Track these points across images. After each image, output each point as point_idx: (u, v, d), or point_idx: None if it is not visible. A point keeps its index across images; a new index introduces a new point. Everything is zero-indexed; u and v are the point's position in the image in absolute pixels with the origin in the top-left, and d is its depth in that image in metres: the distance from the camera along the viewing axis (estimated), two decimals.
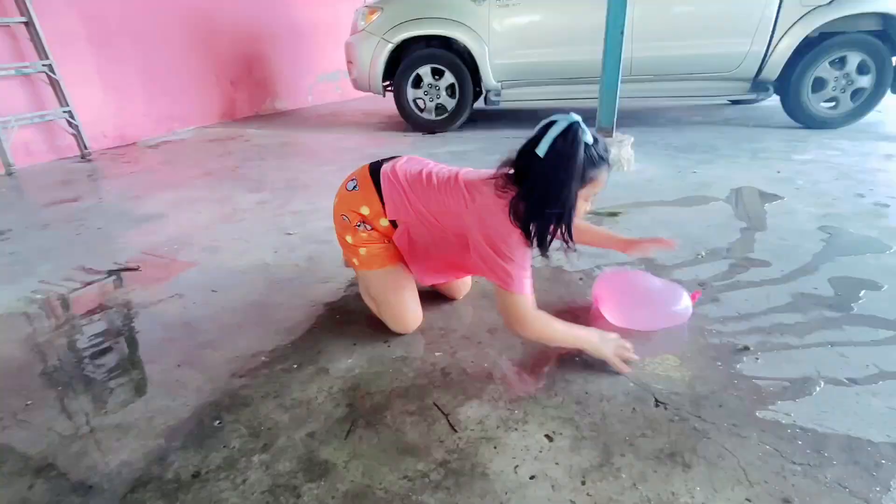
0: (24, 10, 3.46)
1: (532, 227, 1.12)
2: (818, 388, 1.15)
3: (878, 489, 0.91)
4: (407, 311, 1.36)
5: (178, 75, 4.66)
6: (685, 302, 1.37)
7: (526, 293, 1.16)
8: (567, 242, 1.13)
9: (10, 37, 3.46)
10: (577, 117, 1.09)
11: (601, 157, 1.10)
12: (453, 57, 3.99)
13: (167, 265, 1.89)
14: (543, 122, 1.11)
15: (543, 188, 1.08)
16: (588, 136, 1.08)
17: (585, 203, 1.16)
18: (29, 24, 3.49)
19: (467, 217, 1.19)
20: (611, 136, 2.92)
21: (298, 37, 6.11)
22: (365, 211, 1.30)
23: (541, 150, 1.07)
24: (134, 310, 1.58)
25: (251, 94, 5.58)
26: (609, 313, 1.40)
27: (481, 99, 4.36)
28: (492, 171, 1.22)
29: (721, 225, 2.07)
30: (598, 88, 2.88)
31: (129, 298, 1.65)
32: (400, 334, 1.39)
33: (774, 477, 0.94)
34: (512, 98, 4.10)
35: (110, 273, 1.84)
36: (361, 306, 1.54)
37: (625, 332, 1.29)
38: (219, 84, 5.14)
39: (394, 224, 1.29)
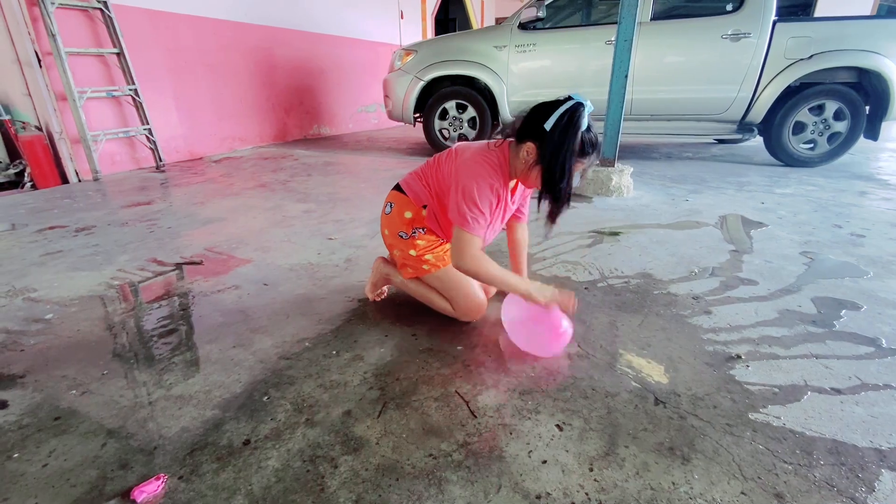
0: (116, 42, 3.57)
1: (547, 179, 1.12)
2: (805, 396, 1.10)
3: (863, 489, 0.86)
4: (477, 296, 1.34)
5: (241, 102, 4.76)
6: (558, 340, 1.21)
7: (475, 233, 1.16)
8: (563, 203, 1.13)
9: (104, 65, 3.56)
10: (584, 99, 1.07)
11: (591, 145, 1.09)
12: (475, 94, 4.01)
13: (226, 261, 1.90)
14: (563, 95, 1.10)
15: (551, 153, 1.09)
16: (584, 122, 1.07)
17: (577, 177, 1.15)
18: (120, 55, 3.59)
19: (453, 170, 1.20)
20: (613, 165, 2.89)
21: (343, 73, 6.20)
22: (409, 215, 1.31)
23: (548, 123, 1.07)
24: (196, 297, 1.59)
25: (301, 121, 5.66)
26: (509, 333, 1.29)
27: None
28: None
29: (711, 247, 2.02)
30: (603, 124, 2.86)
31: (192, 288, 1.66)
32: (459, 322, 1.37)
33: (767, 474, 0.89)
34: None
35: (177, 265, 1.85)
36: (393, 303, 1.52)
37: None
38: (274, 111, 5.23)
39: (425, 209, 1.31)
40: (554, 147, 1.07)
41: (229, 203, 2.78)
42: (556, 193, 1.12)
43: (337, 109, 6.21)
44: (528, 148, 1.12)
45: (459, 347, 1.28)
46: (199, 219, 2.47)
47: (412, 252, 1.32)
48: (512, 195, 1.29)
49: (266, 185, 3.23)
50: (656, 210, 2.61)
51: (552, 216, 1.16)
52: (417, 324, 1.40)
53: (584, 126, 1.06)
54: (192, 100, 4.22)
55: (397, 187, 1.36)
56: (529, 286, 1.18)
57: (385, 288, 1.55)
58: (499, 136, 1.22)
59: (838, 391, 1.11)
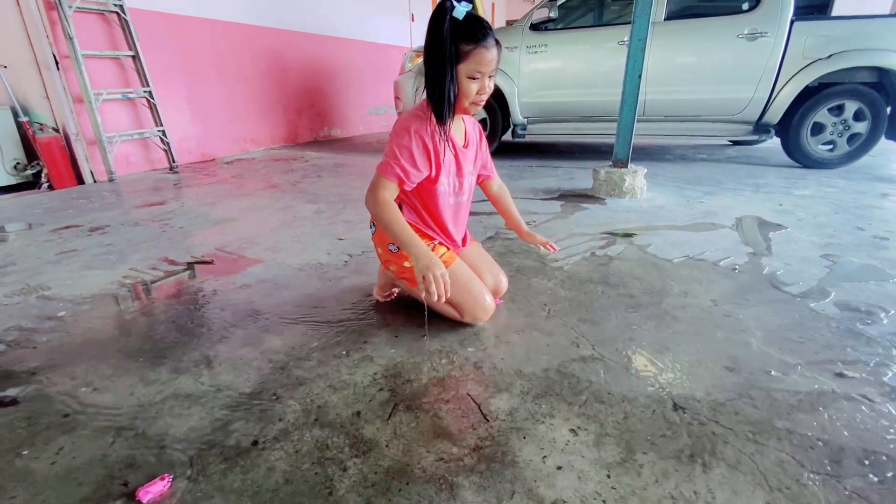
0: (132, 45, 3.61)
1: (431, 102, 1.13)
2: (833, 403, 1.05)
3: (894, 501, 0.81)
4: (484, 299, 1.33)
5: (253, 104, 4.80)
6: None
7: (390, 180, 1.16)
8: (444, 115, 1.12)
9: (119, 67, 3.61)
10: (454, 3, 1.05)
11: (476, 30, 1.05)
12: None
13: (237, 261, 1.90)
14: None
15: (426, 66, 1.10)
16: (458, 11, 1.04)
17: (475, 83, 1.12)
18: (135, 58, 3.64)
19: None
20: (626, 166, 2.85)
21: (353, 76, 6.23)
22: None
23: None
24: (207, 296, 1.58)
25: (311, 123, 5.70)
26: None
27: (509, 132, 4.34)
28: None
29: (729, 249, 1.97)
30: (616, 125, 2.82)
31: (203, 287, 1.66)
32: (469, 324, 1.35)
33: (794, 484, 0.85)
34: (536, 132, 4.07)
35: (189, 265, 1.85)
36: (403, 303, 1.50)
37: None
38: (285, 113, 5.26)
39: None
40: (427, 48, 1.08)
41: (241, 203, 2.79)
42: (436, 93, 1.12)
43: (347, 111, 6.23)
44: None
45: (471, 349, 1.26)
46: (211, 219, 2.48)
47: (407, 264, 1.30)
48: (464, 146, 1.28)
49: (277, 186, 3.24)
50: (671, 211, 2.56)
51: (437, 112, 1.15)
52: (427, 325, 1.38)
53: (456, 14, 1.04)
54: (205, 102, 4.26)
55: None
56: (419, 250, 1.14)
57: (394, 290, 1.53)
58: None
59: (868, 399, 1.06)
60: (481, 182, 1.47)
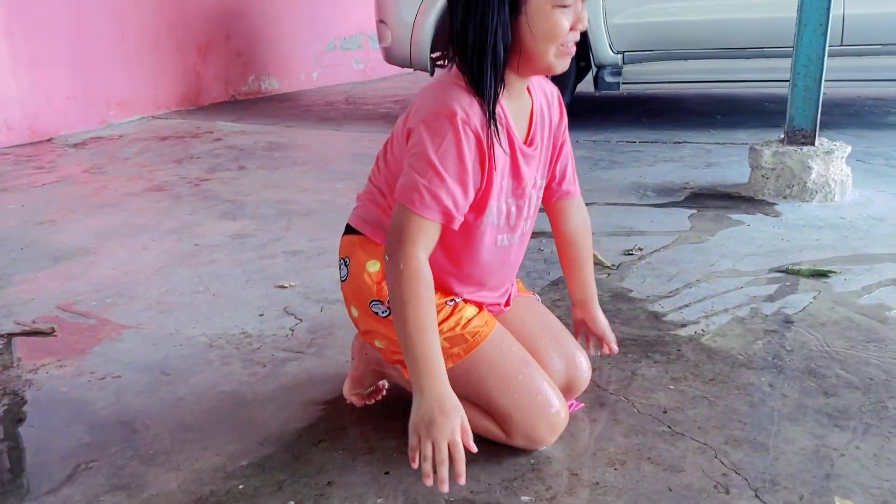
0: None
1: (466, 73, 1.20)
2: None
3: None
4: (549, 403, 1.34)
5: (121, 41, 4.99)
6: None
7: (430, 219, 1.18)
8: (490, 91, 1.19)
9: None
10: None
11: None
12: None
13: (94, 329, 1.95)
14: None
15: (459, 17, 1.17)
16: None
17: (565, 12, 1.17)
18: None
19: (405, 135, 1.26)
20: (812, 143, 2.88)
21: None
22: (375, 267, 1.35)
23: None
24: (41, 396, 1.63)
25: (227, 69, 5.87)
26: None
27: (587, 79, 4.41)
28: None
29: None
30: (790, 68, 2.86)
31: (34, 378, 1.70)
32: (522, 450, 1.37)
33: None
34: (640, 79, 4.13)
35: (7, 337, 1.91)
36: (394, 409, 1.53)
37: None
38: (180, 53, 5.44)
39: None
40: None
41: (100, 222, 2.87)
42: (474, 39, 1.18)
43: (291, 48, 6.43)
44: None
45: (525, 498, 1.28)
46: (47, 251, 2.56)
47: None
48: (527, 143, 1.32)
49: (165, 188, 3.33)
50: None
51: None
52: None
53: None
54: (32, 39, 4.44)
55: (348, 228, 1.44)
56: (430, 382, 1.18)
57: (382, 383, 1.57)
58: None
59: None
60: (551, 202, 1.51)
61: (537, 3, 1.15)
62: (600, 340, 1.55)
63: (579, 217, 1.53)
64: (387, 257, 1.20)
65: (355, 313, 1.42)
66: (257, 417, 1.53)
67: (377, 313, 1.36)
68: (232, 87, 5.93)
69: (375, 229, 1.37)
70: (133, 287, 2.23)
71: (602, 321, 1.55)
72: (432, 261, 1.32)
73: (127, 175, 3.60)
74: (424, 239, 1.19)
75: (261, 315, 2.01)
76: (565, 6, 1.15)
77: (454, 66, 1.24)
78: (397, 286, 1.19)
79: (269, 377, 1.69)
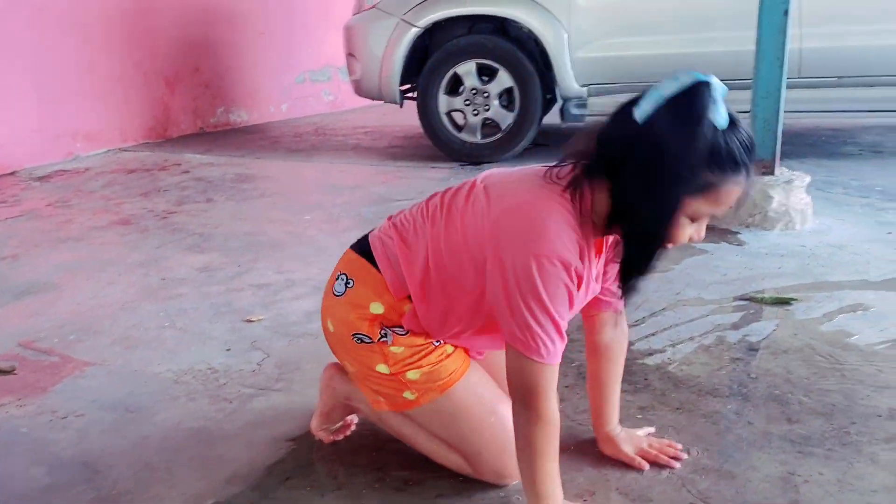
0: None
1: (610, 233, 1.17)
2: None
3: None
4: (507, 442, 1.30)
5: (88, 73, 4.95)
6: None
7: (550, 361, 1.15)
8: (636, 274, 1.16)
9: None
10: (710, 78, 1.07)
11: (736, 156, 1.07)
12: (511, 48, 4.15)
13: (56, 366, 1.92)
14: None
15: (635, 176, 1.09)
16: (720, 113, 1.05)
17: (692, 227, 1.14)
18: None
19: (485, 230, 1.19)
20: (772, 173, 2.94)
21: (270, 15, 6.47)
22: (378, 309, 1.32)
23: (640, 111, 1.07)
24: (0, 437, 1.60)
25: (195, 101, 5.86)
26: None
27: (555, 111, 4.46)
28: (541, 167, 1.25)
29: None
30: (751, 98, 2.92)
31: None
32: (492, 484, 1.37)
33: None
34: (605, 111, 4.13)
35: None
36: (367, 444, 1.52)
37: None
38: (147, 85, 5.42)
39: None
40: (651, 151, 1.07)
41: (64, 255, 2.84)
42: (640, 237, 1.14)
43: (260, 79, 6.43)
44: (601, 184, 1.14)
45: None
46: (9, 287, 2.52)
47: (381, 368, 1.33)
48: (597, 258, 1.28)
49: (132, 221, 3.30)
50: (858, 254, 2.61)
51: (626, 282, 1.19)
52: (414, 483, 1.38)
53: (716, 118, 1.06)
54: None
55: (361, 245, 1.38)
56: None
57: (351, 418, 1.55)
58: (566, 161, 1.20)
59: None
60: (591, 315, 1.44)
61: (690, 209, 1.11)
62: (631, 462, 1.44)
63: (614, 324, 1.45)
64: (521, 408, 1.18)
65: (331, 328, 1.39)
66: (224, 455, 1.51)
67: (357, 339, 1.34)
68: (200, 119, 5.91)
69: (395, 270, 1.31)
70: (98, 322, 2.20)
71: (629, 442, 1.46)
72: (437, 328, 1.33)
73: (93, 208, 3.56)
74: (552, 380, 1.18)
75: (228, 350, 2.00)
76: (696, 220, 1.14)
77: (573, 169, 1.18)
78: (535, 437, 1.18)
79: (236, 413, 1.67)
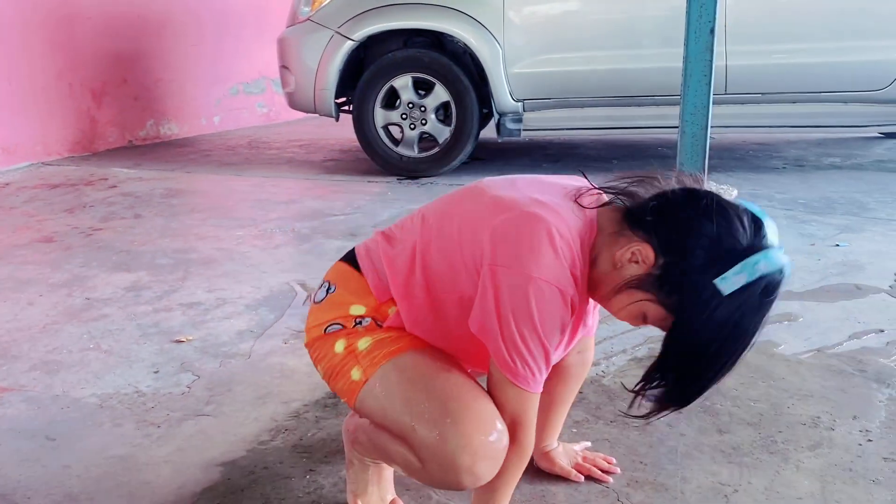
0: None
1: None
2: None
3: None
4: (489, 414, 1.14)
5: (6, 83, 4.80)
6: None
7: (534, 390, 1.12)
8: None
9: None
10: (785, 261, 1.06)
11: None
12: (448, 62, 4.17)
13: None
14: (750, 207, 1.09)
15: (708, 321, 1.05)
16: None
17: (627, 316, 1.15)
18: None
19: (484, 241, 1.12)
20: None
21: (202, 27, 6.38)
22: (358, 311, 1.24)
23: (726, 284, 1.03)
24: None
25: (123, 114, 5.72)
26: None
27: (491, 126, 4.49)
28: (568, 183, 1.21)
29: (890, 333, 2.08)
30: (679, 113, 2.98)
31: None
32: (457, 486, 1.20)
33: None
34: (539, 125, 4.24)
35: None
36: (305, 465, 1.49)
37: None
38: (72, 97, 5.28)
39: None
40: (721, 316, 1.04)
41: None
42: (687, 384, 1.13)
43: (191, 91, 6.32)
44: (642, 252, 1.08)
45: None
46: None
47: (339, 345, 1.23)
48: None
49: (54, 239, 3.19)
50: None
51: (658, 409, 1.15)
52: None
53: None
54: None
55: (347, 255, 1.32)
56: None
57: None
58: (596, 190, 1.17)
59: None
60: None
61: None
62: (567, 475, 1.46)
63: (582, 356, 1.45)
64: (505, 438, 1.12)
65: (307, 338, 1.30)
66: (152, 482, 1.46)
67: (327, 331, 1.24)
68: (129, 132, 5.77)
69: (379, 274, 1.24)
70: (16, 346, 2.11)
71: (563, 456, 1.48)
72: (436, 318, 1.23)
73: (12, 225, 3.43)
74: (535, 408, 1.16)
75: (156, 372, 1.94)
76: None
77: (597, 199, 1.16)
78: (509, 464, 1.15)
79: (165, 438, 1.62)
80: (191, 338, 2.15)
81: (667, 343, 1.10)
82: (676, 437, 1.59)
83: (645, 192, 1.12)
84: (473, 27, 4.10)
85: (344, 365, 1.22)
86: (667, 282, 1.06)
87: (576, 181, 1.23)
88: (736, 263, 1.02)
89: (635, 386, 1.14)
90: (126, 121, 5.74)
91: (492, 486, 1.17)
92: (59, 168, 4.86)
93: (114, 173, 4.66)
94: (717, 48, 2.92)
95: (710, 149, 3.02)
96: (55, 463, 1.53)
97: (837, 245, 2.91)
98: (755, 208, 1.10)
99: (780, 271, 1.04)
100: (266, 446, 1.59)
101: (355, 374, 1.20)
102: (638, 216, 1.09)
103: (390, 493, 1.40)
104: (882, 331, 2.10)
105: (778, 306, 2.20)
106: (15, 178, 4.54)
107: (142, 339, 2.15)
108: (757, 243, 1.04)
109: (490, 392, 1.15)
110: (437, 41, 4.23)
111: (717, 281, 1.01)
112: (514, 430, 1.13)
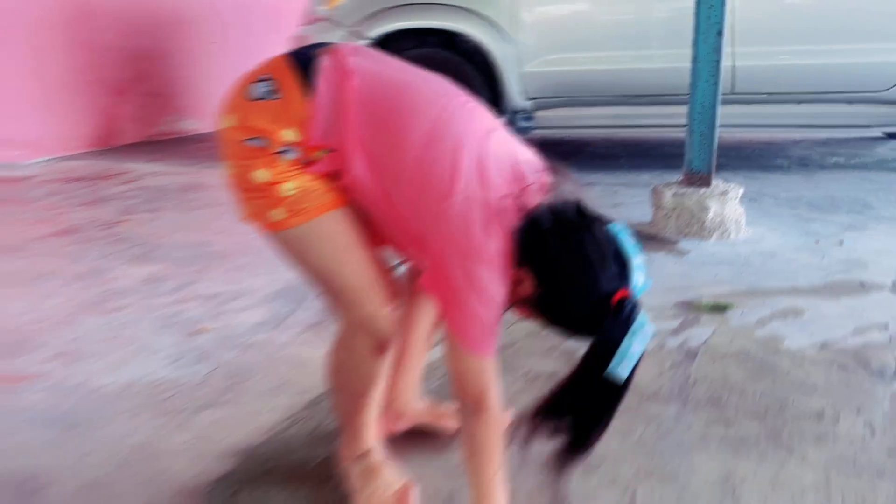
0: None
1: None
2: None
3: None
4: (374, 279, 1.24)
5: (30, 79, 4.82)
6: None
7: (492, 359, 1.17)
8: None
9: None
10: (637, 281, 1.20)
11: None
12: (460, 61, 4.17)
13: None
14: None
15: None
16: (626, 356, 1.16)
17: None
18: None
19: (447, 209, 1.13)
20: (708, 184, 3.01)
21: (222, 25, 6.39)
22: (290, 136, 1.17)
23: (618, 368, 1.13)
24: None
25: (143, 109, 5.74)
26: None
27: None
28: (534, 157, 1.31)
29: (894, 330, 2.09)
30: (687, 113, 2.99)
31: None
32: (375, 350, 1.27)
33: None
34: (551, 124, 4.24)
35: None
36: (320, 454, 1.51)
37: None
38: (94, 93, 5.29)
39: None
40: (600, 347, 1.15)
41: (1, 268, 2.76)
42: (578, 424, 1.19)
43: (210, 89, 6.29)
44: (525, 278, 1.15)
45: None
46: None
47: (259, 175, 1.17)
48: None
49: (74, 232, 3.21)
50: (788, 262, 2.69)
51: (562, 462, 1.20)
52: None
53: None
54: None
55: (302, 64, 1.21)
56: None
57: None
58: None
59: None
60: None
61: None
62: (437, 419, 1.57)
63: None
64: (472, 410, 1.18)
65: (227, 124, 1.24)
66: (169, 469, 1.47)
67: (249, 143, 1.18)
68: (148, 128, 5.80)
69: (325, 120, 1.17)
70: (37, 336, 2.12)
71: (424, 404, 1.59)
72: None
73: (32, 218, 3.45)
74: (495, 379, 1.19)
75: (174, 362, 1.95)
76: None
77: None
78: (488, 436, 1.19)
79: (183, 427, 1.63)
80: (209, 329, 2.16)
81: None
82: (685, 428, 1.60)
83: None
84: (486, 27, 4.11)
85: (263, 196, 1.19)
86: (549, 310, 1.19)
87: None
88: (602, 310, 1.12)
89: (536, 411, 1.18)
90: (146, 116, 5.77)
91: (482, 469, 1.20)
92: (79, 162, 4.89)
93: (133, 168, 4.68)
94: (725, 49, 2.94)
95: (717, 148, 3.04)
96: (75, 450, 1.54)
97: (841, 243, 2.91)
98: (626, 242, 1.20)
99: (628, 307, 1.15)
100: (282, 435, 1.60)
101: (278, 214, 1.19)
102: (519, 241, 1.13)
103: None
104: (886, 327, 2.11)
105: (784, 302, 2.23)
106: (37, 171, 4.57)
107: (160, 329, 2.17)
108: (622, 286, 1.15)
109: (454, 374, 1.19)
110: (450, 41, 4.24)
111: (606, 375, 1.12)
112: (484, 400, 1.18)
